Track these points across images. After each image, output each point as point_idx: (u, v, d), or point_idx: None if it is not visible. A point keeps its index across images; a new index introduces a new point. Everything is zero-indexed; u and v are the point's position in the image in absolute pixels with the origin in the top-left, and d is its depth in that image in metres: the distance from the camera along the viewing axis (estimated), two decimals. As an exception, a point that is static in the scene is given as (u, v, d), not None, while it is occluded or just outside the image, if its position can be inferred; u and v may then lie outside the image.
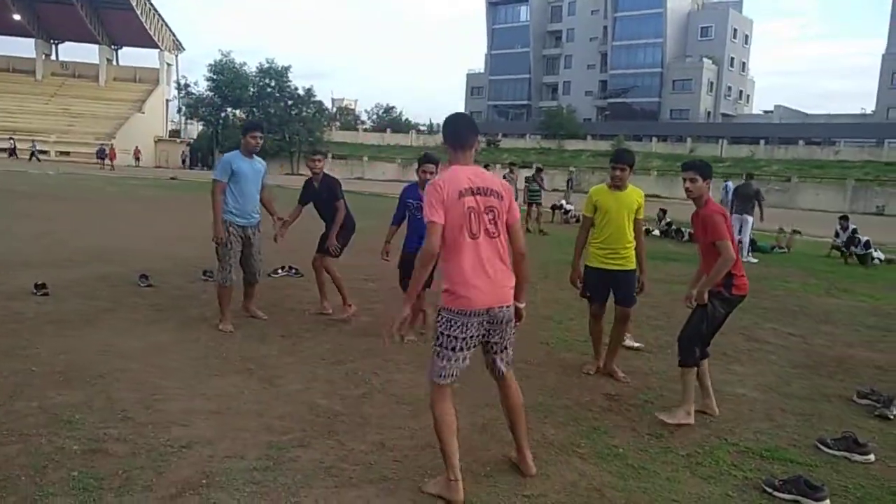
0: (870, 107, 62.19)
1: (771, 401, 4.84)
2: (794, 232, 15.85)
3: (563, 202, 21.15)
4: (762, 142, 50.56)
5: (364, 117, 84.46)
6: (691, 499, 3.30)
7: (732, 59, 70.85)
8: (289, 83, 57.35)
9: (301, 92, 57.85)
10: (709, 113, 68.80)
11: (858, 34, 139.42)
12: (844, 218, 14.62)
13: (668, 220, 17.46)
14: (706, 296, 4.25)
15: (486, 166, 18.39)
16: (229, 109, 57.48)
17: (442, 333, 3.21)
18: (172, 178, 33.87)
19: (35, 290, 6.79)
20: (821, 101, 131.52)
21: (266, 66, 56.52)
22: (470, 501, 3.16)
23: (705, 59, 67.46)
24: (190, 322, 6.15)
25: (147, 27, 59.72)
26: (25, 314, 6.05)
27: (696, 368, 4.35)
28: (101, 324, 5.92)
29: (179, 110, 61.41)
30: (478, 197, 3.21)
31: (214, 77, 55.04)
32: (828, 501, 3.27)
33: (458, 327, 3.18)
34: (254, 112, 55.47)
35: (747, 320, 7.13)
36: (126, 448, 3.49)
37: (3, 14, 57.59)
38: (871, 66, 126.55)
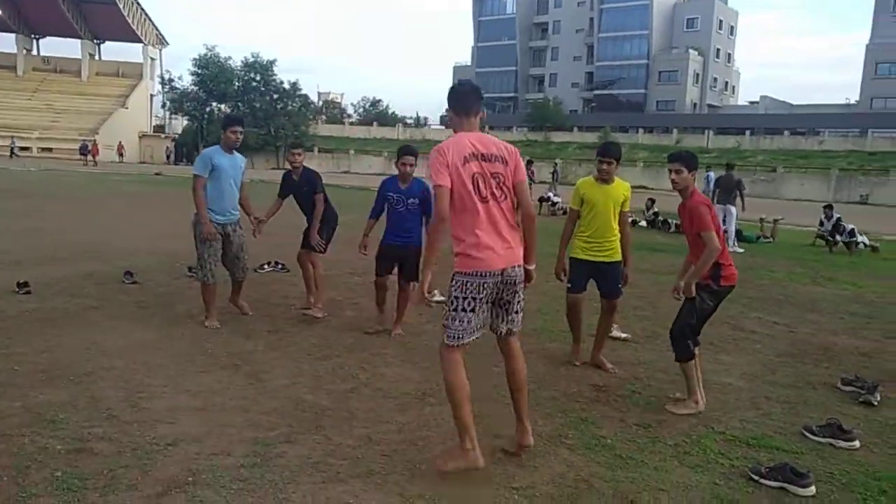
0: (854, 97, 62.77)
1: (757, 389, 4.87)
2: (776, 221, 15.96)
3: (551, 194, 21.17)
4: (748, 132, 50.87)
5: (350, 111, 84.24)
6: (679, 488, 3.31)
7: (718, 50, 71.13)
8: (274, 77, 57.05)
9: (286, 86, 57.62)
10: (695, 104, 69.10)
11: (843, 25, 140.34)
12: (829, 207, 14.76)
13: (655, 210, 17.52)
14: (693, 288, 4.26)
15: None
16: (214, 104, 57.05)
17: (457, 297, 3.27)
18: (157, 174, 33.60)
19: (17, 289, 6.71)
20: (806, 92, 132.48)
21: (251, 60, 56.21)
22: (458, 494, 3.15)
23: (691, 51, 67.69)
24: (175, 319, 6.10)
25: (130, 21, 59.09)
26: (7, 312, 5.98)
27: (693, 361, 4.37)
28: (85, 322, 5.86)
29: (164, 105, 60.95)
30: (483, 163, 3.27)
31: (199, 71, 54.65)
32: (813, 488, 3.29)
33: (474, 288, 3.25)
34: (239, 107, 55.14)
35: (734, 310, 7.16)
36: (111, 447, 3.45)
37: (-17, 9, 56.91)
38: (855, 57, 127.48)
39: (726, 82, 74.59)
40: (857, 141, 46.72)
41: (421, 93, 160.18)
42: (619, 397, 4.59)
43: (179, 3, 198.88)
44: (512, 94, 77.75)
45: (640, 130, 55.71)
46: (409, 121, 76.43)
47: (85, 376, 4.45)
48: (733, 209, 13.32)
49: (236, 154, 5.96)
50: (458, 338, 3.30)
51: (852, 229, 13.86)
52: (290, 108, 57.83)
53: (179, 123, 64.27)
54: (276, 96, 57.19)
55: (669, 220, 16.23)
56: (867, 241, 13.87)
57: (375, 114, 77.80)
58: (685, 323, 4.35)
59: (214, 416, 3.94)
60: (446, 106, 3.55)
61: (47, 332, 5.46)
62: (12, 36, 60.97)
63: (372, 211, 5.98)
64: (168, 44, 65.20)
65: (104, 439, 3.53)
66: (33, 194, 18.90)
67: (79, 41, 62.18)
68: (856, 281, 9.89)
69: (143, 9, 60.75)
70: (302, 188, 6.40)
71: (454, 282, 3.29)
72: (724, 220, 12.45)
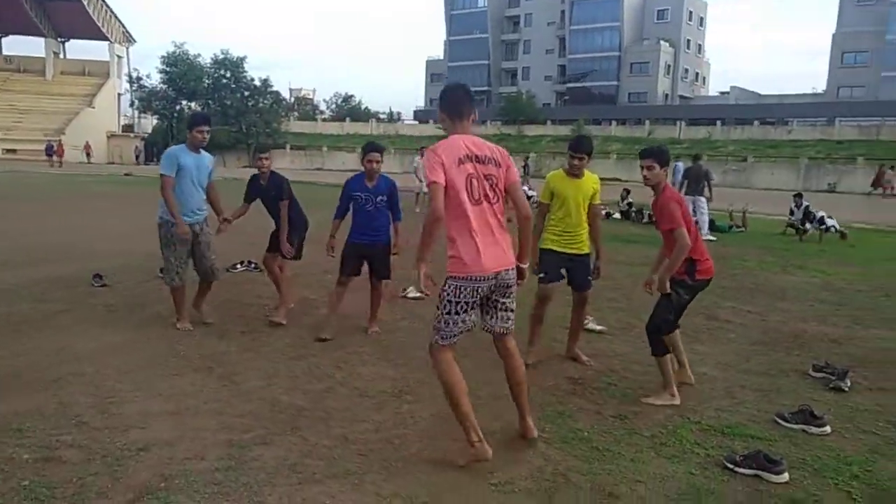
0: (821, 86, 63.78)
1: (731, 378, 4.92)
2: (745, 211, 16.14)
3: (526, 188, 21.21)
4: (718, 123, 51.39)
5: (323, 107, 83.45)
6: (656, 479, 3.33)
7: (688, 41, 71.77)
8: (245, 74, 56.26)
9: (257, 83, 56.85)
10: (666, 95, 69.68)
11: (811, 15, 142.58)
12: (798, 196, 14.98)
13: (630, 200, 17.63)
14: (668, 284, 4.29)
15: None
16: (184, 102, 56.09)
17: (450, 302, 3.30)
18: (127, 175, 33.04)
19: (-18, 294, 6.55)
20: (776, 82, 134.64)
21: (221, 56, 55.35)
22: (436, 491, 3.14)
23: (662, 42, 68.20)
24: (147, 321, 6.00)
25: (95, 19, 57.92)
26: (-28, 319, 5.83)
27: (669, 355, 4.40)
28: (53, 326, 5.73)
29: (132, 104, 59.84)
30: (476, 164, 3.31)
31: (168, 69, 53.70)
32: (786, 475, 3.33)
33: (468, 293, 3.29)
34: (209, 104, 54.32)
35: (707, 300, 7.22)
36: (80, 454, 3.38)
37: (-59, 8, 55.40)
38: (822, 47, 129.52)
39: (697, 73, 75.32)
40: (825, 130, 47.43)
41: (394, 88, 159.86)
42: (595, 390, 4.61)
43: (146, 0, 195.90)
44: (485, 88, 77.70)
45: (613, 122, 55.99)
46: (382, 116, 76.02)
47: (52, 382, 4.36)
48: (703, 199, 13.47)
49: (203, 153, 5.76)
50: (449, 339, 3.36)
51: (822, 217, 14.10)
52: (261, 105, 57.09)
53: (149, 122, 63.15)
54: (247, 93, 56.41)
55: (643, 210, 16.34)
56: (837, 226, 14.14)
57: (348, 109, 77.18)
58: (662, 319, 4.38)
59: (187, 419, 3.88)
60: (436, 106, 3.62)
61: (13, 337, 5.34)
62: (-28, 35, 59.60)
63: (337, 211, 5.77)
64: (135, 41, 64.21)
65: (73, 447, 3.46)
66: (-2, 197, 18.48)
67: (42, 39, 60.80)
68: (825, 269, 10.05)
69: (108, 6, 59.60)
70: (269, 193, 6.16)
71: (447, 286, 3.31)
72: (694, 212, 12.57)
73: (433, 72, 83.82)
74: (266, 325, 5.94)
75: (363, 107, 79.42)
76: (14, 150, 48.65)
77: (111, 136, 56.84)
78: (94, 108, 56.31)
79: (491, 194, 3.33)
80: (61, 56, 63.37)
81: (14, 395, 4.13)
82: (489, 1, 76.81)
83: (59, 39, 62.82)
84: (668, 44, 68.58)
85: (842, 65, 59.36)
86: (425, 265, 3.32)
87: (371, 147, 5.67)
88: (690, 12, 71.75)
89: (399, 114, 79.40)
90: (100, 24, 58.67)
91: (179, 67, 53.46)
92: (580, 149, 4.96)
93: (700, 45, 75.26)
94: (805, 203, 14.51)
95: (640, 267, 8.97)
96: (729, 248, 12.18)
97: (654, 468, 3.44)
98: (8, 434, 3.56)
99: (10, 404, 3.97)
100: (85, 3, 56.14)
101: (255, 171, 6.25)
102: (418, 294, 6.95)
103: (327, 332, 5.56)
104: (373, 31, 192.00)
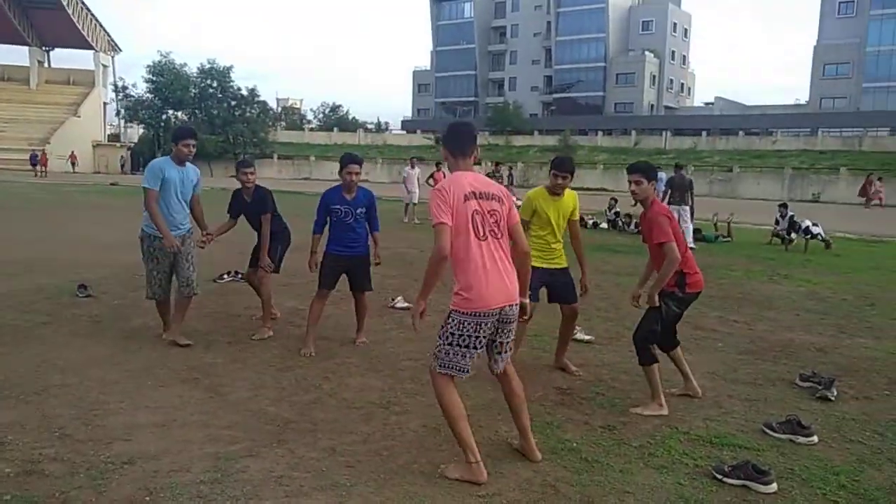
0: (804, 97, 64.57)
1: (719, 388, 4.94)
2: (731, 221, 16.24)
3: (515, 199, 21.26)
4: (704, 133, 51.86)
5: (310, 116, 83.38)
6: (644, 490, 3.32)
7: (673, 52, 72.51)
8: (231, 83, 56.16)
9: (244, 92, 56.74)
10: (652, 106, 70.30)
11: (792, 27, 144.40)
12: (783, 206, 15.11)
13: (617, 209, 17.68)
14: (657, 298, 4.31)
15: (437, 164, 18.38)
16: (171, 111, 55.88)
17: (452, 334, 3.32)
18: (113, 184, 32.81)
19: (-36, 305, 6.46)
20: (759, 93, 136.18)
21: (207, 66, 55.23)
22: (423, 502, 3.11)
23: (647, 53, 68.87)
24: (132, 332, 5.94)
25: (80, 28, 57.60)
26: (-47, 331, 5.75)
27: (656, 364, 4.41)
28: (37, 338, 5.66)
29: (118, 113, 59.49)
30: (481, 201, 3.36)
31: (154, 79, 53.49)
32: (775, 485, 3.33)
33: (471, 327, 3.30)
34: (196, 114, 54.14)
35: (695, 310, 7.18)
36: (63, 468, 3.33)
37: (-76, 16, 54.90)
38: (804, 59, 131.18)
39: (682, 84, 76.06)
40: (809, 140, 47.98)
41: (381, 98, 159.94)
42: (583, 400, 4.60)
43: (132, 9, 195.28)
44: (472, 99, 78.12)
45: (600, 133, 56.40)
46: (370, 126, 76.10)
47: (35, 395, 4.29)
48: (687, 209, 13.55)
49: (189, 166, 5.63)
50: (448, 368, 3.35)
51: (808, 226, 14.24)
52: (248, 114, 56.96)
53: (135, 132, 62.81)
54: (233, 103, 56.28)
55: (631, 215, 16.38)
56: (823, 234, 14.28)
57: (336, 119, 77.17)
58: (649, 330, 4.40)
59: (173, 431, 3.83)
60: (440, 145, 3.70)
61: (-4, 349, 5.26)
62: (-45, 44, 59.06)
63: (315, 225, 5.63)
64: (121, 50, 63.94)
65: (56, 460, 3.41)
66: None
67: (27, 48, 60.37)
68: (810, 278, 10.13)
69: (93, 15, 59.36)
70: (254, 207, 6.08)
71: (451, 319, 3.34)
72: (679, 221, 12.63)
73: (420, 82, 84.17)
74: (253, 336, 5.88)
75: (351, 116, 79.49)
76: (-3, 160, 48.15)
77: (97, 145, 56.49)
78: (79, 117, 55.92)
79: (496, 230, 3.38)
80: (46, 65, 63.00)
81: (-4, 407, 4.07)
82: (476, 12, 77.29)
83: (43, 48, 62.46)
84: (653, 55, 69.27)
85: (823, 76, 60.19)
86: (425, 304, 3.37)
87: (349, 159, 5.58)
88: (675, 24, 72.54)
89: (387, 124, 79.58)
90: (84, 33, 58.37)
91: (166, 77, 53.28)
92: (564, 168, 5.05)
93: (685, 56, 76.04)
94: (790, 213, 14.64)
95: (628, 277, 9.01)
96: (715, 257, 12.25)
97: (642, 479, 3.44)
98: (-11, 448, 3.51)
99: (-8, 417, 3.91)
100: (70, 11, 55.83)
101: (235, 189, 6.12)
102: (406, 304, 6.94)
103: (310, 348, 5.47)
104: (360, 41, 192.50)
